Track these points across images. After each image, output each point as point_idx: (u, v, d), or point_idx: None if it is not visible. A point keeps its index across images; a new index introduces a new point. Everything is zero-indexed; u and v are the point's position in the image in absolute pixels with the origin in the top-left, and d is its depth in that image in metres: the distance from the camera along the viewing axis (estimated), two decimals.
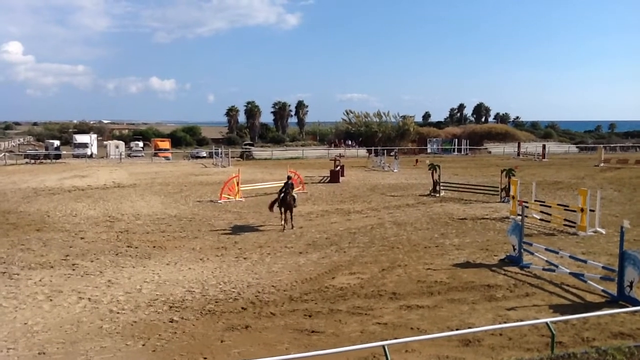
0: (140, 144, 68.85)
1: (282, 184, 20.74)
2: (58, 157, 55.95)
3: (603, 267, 12.89)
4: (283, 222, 19.77)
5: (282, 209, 19.88)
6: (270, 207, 20.75)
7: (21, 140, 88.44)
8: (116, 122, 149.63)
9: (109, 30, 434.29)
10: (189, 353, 9.35)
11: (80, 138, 62.93)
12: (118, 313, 11.30)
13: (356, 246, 17.24)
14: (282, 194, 19.75)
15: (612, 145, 72.96)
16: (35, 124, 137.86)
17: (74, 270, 14.53)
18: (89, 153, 59.12)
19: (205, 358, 9.13)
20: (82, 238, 18.51)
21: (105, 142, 67.65)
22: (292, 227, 19.72)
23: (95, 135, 67.59)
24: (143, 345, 9.71)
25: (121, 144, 64.25)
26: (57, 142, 60.91)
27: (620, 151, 69.40)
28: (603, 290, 12.21)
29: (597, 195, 19.49)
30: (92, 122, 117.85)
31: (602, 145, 58.40)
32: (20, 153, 59.63)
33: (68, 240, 18.21)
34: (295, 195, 20.51)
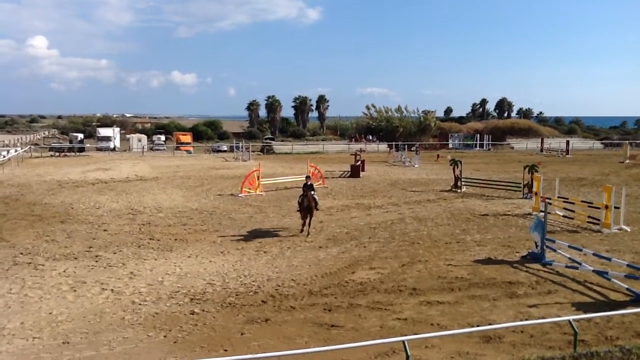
0: (162, 137, 69.38)
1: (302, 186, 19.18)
2: (82, 150, 56.58)
3: (628, 265, 12.69)
4: (303, 226, 18.46)
5: (302, 213, 18.40)
6: (300, 211, 18.63)
7: (46, 133, 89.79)
8: (139, 115, 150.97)
9: (132, 24, 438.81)
10: (209, 345, 9.44)
11: (103, 131, 63.67)
12: (140, 304, 11.45)
13: (376, 241, 17.20)
14: (301, 198, 18.35)
15: (638, 141, 71.54)
16: (59, 117, 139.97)
17: (97, 261, 14.74)
18: (112, 146, 59.79)
19: (225, 350, 9.20)
20: (105, 230, 18.75)
21: (127, 136, 68.31)
22: (309, 233, 18.08)
23: (118, 129, 68.20)
24: (164, 336, 9.82)
25: (143, 137, 64.78)
26: (81, 136, 61.60)
27: None
28: (627, 289, 12.02)
29: (622, 192, 19.18)
30: (115, 116, 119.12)
31: (627, 142, 57.39)
32: (45, 146, 60.41)
33: (91, 232, 18.47)
34: (316, 197, 18.99)
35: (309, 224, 18.34)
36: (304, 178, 20.18)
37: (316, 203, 18.66)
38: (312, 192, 18.56)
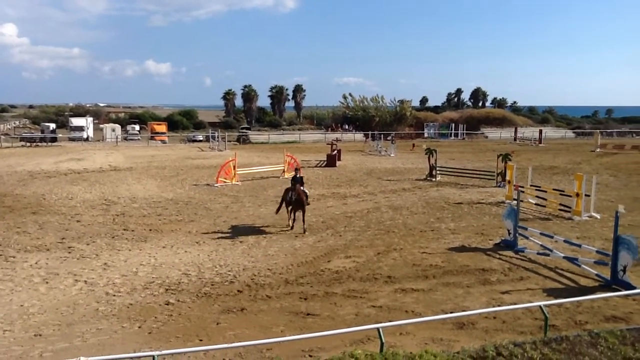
0: (137, 127, 68.40)
1: (290, 179, 18.50)
2: (54, 140, 55.64)
3: (597, 252, 12.97)
4: (290, 221, 17.47)
5: (291, 208, 17.35)
6: (277, 210, 17.78)
7: (17, 123, 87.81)
8: (112, 105, 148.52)
9: (106, 12, 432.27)
10: (184, 335, 9.41)
11: (76, 121, 62.51)
12: (114, 296, 11.35)
13: (352, 230, 17.28)
14: (291, 192, 16.85)
15: (609, 130, 72.82)
16: (31, 106, 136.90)
17: (70, 253, 14.55)
18: (85, 136, 58.80)
19: (201, 340, 9.19)
20: (78, 221, 18.50)
21: (101, 126, 67.16)
22: (305, 231, 16.91)
23: (91, 119, 67.03)
24: (139, 327, 9.76)
25: (117, 127, 63.84)
26: (53, 125, 60.41)
27: (617, 137, 69.33)
28: (597, 275, 12.31)
29: (592, 180, 19.55)
30: (88, 105, 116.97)
31: (598, 131, 58.31)
32: (16, 136, 59.14)
33: (64, 223, 18.20)
34: (307, 191, 18.06)
35: (303, 220, 17.18)
36: (294, 171, 19.18)
37: (307, 196, 17.62)
38: (301, 186, 17.70)
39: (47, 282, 12.11)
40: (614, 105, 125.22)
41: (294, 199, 16.79)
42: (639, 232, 15.60)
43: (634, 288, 11.07)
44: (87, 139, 58.49)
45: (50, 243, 15.54)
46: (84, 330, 9.56)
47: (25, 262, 13.64)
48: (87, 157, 40.74)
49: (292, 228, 17.29)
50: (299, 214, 17.39)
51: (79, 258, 14.06)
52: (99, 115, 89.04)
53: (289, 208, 17.41)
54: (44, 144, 53.23)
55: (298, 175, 18.26)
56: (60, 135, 58.67)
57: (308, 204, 17.83)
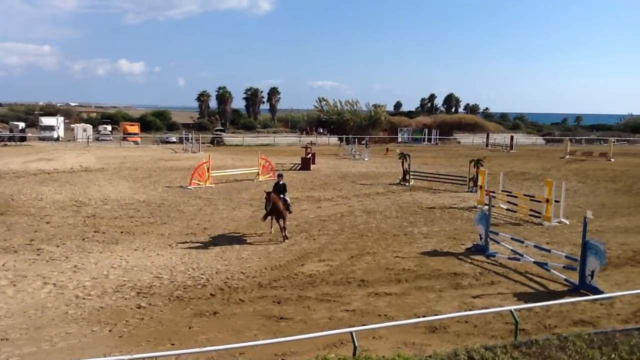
0: (109, 127, 67.49)
1: (273, 186, 17.43)
2: (23, 139, 54.63)
3: (566, 257, 13.20)
4: (272, 229, 17.03)
5: (272, 217, 16.69)
6: (264, 218, 16.92)
7: None
8: (84, 104, 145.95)
9: (78, 10, 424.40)
10: (156, 339, 9.30)
11: (46, 120, 61.40)
12: (84, 299, 11.16)
13: (326, 234, 17.30)
14: (266, 202, 16.07)
15: (577, 137, 74.33)
16: None
17: (38, 255, 14.27)
18: (55, 136, 57.78)
19: (173, 344, 9.09)
20: (47, 222, 18.15)
21: (72, 125, 66.08)
22: (285, 238, 16.30)
23: (62, 118, 65.90)
24: (110, 331, 9.62)
25: (89, 127, 62.94)
26: (22, 124, 59.23)
27: (585, 144, 70.74)
28: (565, 279, 12.54)
29: (562, 186, 19.92)
30: (59, 105, 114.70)
31: (568, 138, 59.47)
32: None
33: (33, 224, 17.85)
34: (288, 199, 17.27)
35: (281, 228, 16.47)
36: (276, 177, 18.03)
37: (288, 205, 16.99)
38: (282, 195, 16.78)
39: (14, 285, 11.85)
40: (583, 113, 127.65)
41: (269, 208, 16.06)
42: (606, 238, 16.00)
43: (602, 293, 11.32)
44: (57, 139, 57.48)
45: (18, 245, 15.21)
46: (53, 334, 9.38)
47: None
48: (57, 157, 40.03)
49: (270, 232, 16.98)
50: (280, 221, 16.64)
51: (48, 260, 13.80)
52: (70, 115, 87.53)
53: (271, 216, 16.66)
54: (13, 143, 52.20)
55: (280, 182, 17.39)
56: (30, 134, 57.63)
57: (290, 212, 17.33)
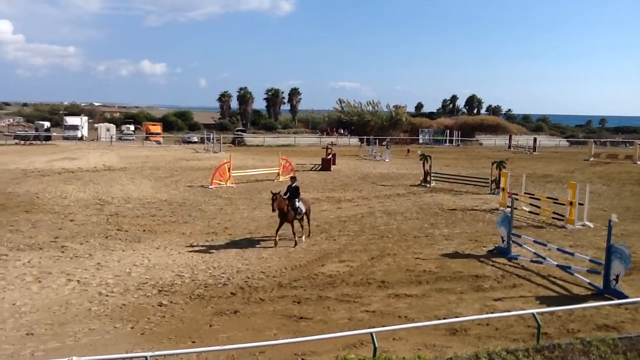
0: (132, 127, 68.36)
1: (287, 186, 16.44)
2: (48, 138, 55.52)
3: (590, 260, 13.02)
4: (276, 233, 15.78)
5: (281, 222, 15.67)
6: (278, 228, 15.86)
7: (10, 120, 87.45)
8: (107, 104, 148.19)
9: (101, 11, 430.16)
10: (177, 337, 9.38)
11: (70, 120, 62.36)
12: (107, 296, 11.30)
13: (346, 234, 17.29)
14: (273, 204, 15.10)
15: (602, 140, 73.18)
16: (25, 104, 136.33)
17: (63, 252, 14.49)
18: (79, 135, 58.64)
19: (193, 342, 9.16)
20: (71, 220, 18.43)
21: (96, 125, 67.03)
22: (296, 243, 15.63)
23: (86, 118, 66.90)
24: (131, 328, 9.72)
25: (112, 127, 63.77)
26: (47, 124, 60.22)
27: (610, 146, 69.65)
28: (589, 283, 12.35)
29: (586, 189, 19.63)
30: (83, 105, 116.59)
31: (592, 140, 58.63)
32: (10, 134, 58.89)
33: (57, 222, 18.13)
34: (301, 205, 16.03)
35: (293, 233, 15.75)
36: (289, 179, 16.92)
37: (296, 211, 15.78)
38: (296, 200, 15.80)
39: (39, 281, 12.05)
40: (608, 115, 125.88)
41: (274, 208, 15.19)
42: (631, 242, 15.72)
43: (626, 297, 11.14)
44: (81, 138, 58.33)
45: (43, 242, 15.47)
46: (76, 330, 9.52)
47: (18, 260, 13.57)
48: (81, 156, 40.62)
49: (275, 244, 15.54)
50: (285, 223, 15.71)
51: (72, 257, 14.00)
52: (94, 115, 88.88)
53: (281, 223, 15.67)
54: (38, 142, 53.07)
55: (293, 185, 16.20)
56: (55, 133, 58.51)
57: (297, 218, 16.01)
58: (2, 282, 11.92)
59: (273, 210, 15.35)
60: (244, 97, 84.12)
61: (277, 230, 15.82)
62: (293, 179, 16.84)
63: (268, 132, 73.30)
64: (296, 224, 16.13)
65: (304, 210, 16.24)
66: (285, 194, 15.85)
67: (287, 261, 14.15)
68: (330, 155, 37.98)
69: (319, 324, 10.03)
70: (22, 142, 52.61)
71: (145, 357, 7.21)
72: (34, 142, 53.18)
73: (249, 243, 15.97)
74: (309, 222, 16.95)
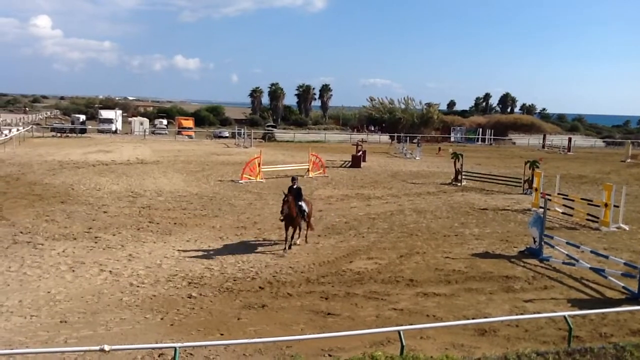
0: (164, 121, 69.18)
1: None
2: (83, 131, 56.62)
3: (625, 264, 12.72)
4: (285, 241, 14.75)
5: (285, 223, 14.69)
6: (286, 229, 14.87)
7: (48, 113, 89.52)
8: (141, 99, 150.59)
9: (137, 7, 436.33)
10: (206, 329, 9.50)
11: (105, 113, 63.48)
12: (138, 286, 11.50)
13: (375, 232, 17.24)
14: (283, 206, 14.30)
15: (639, 141, 71.47)
16: (62, 98, 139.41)
17: (96, 242, 14.79)
18: (113, 129, 59.64)
19: (221, 334, 9.26)
20: (105, 212, 18.79)
21: (129, 119, 68.10)
22: (290, 246, 14.79)
23: (120, 112, 68.03)
24: (161, 319, 9.88)
25: (145, 121, 64.65)
26: (83, 117, 61.42)
27: None
28: (623, 287, 12.08)
29: (622, 191, 19.19)
30: (117, 98, 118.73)
31: (629, 141, 57.23)
32: (47, 126, 60.31)
33: (91, 213, 18.50)
34: (305, 207, 15.20)
35: (299, 236, 15.42)
36: (290, 180, 15.98)
37: (304, 215, 15.07)
38: (301, 202, 14.97)
39: (73, 271, 12.33)
40: None
41: (284, 213, 14.27)
42: None
43: None
44: (115, 132, 59.30)
45: (77, 232, 15.81)
46: (108, 319, 9.72)
47: (53, 249, 13.91)
48: (115, 149, 41.34)
49: (284, 250, 14.53)
50: (290, 229, 14.84)
51: (105, 248, 14.29)
52: (128, 109, 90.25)
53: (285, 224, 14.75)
54: (74, 134, 54.20)
55: (295, 186, 15.11)
56: (90, 126, 59.64)
57: (306, 221, 15.45)
58: (38, 270, 12.24)
59: (282, 212, 14.30)
60: (275, 92, 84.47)
61: (287, 235, 14.75)
62: (294, 179, 15.63)
63: (298, 128, 73.45)
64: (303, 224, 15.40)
65: (307, 211, 15.31)
66: (286, 196, 14.55)
67: (315, 257, 14.18)
68: (361, 152, 37.87)
69: (346, 321, 10.04)
70: (59, 134, 53.80)
71: (175, 347, 7.32)
72: (70, 134, 54.29)
73: (277, 238, 16.04)
74: (308, 225, 15.79)
